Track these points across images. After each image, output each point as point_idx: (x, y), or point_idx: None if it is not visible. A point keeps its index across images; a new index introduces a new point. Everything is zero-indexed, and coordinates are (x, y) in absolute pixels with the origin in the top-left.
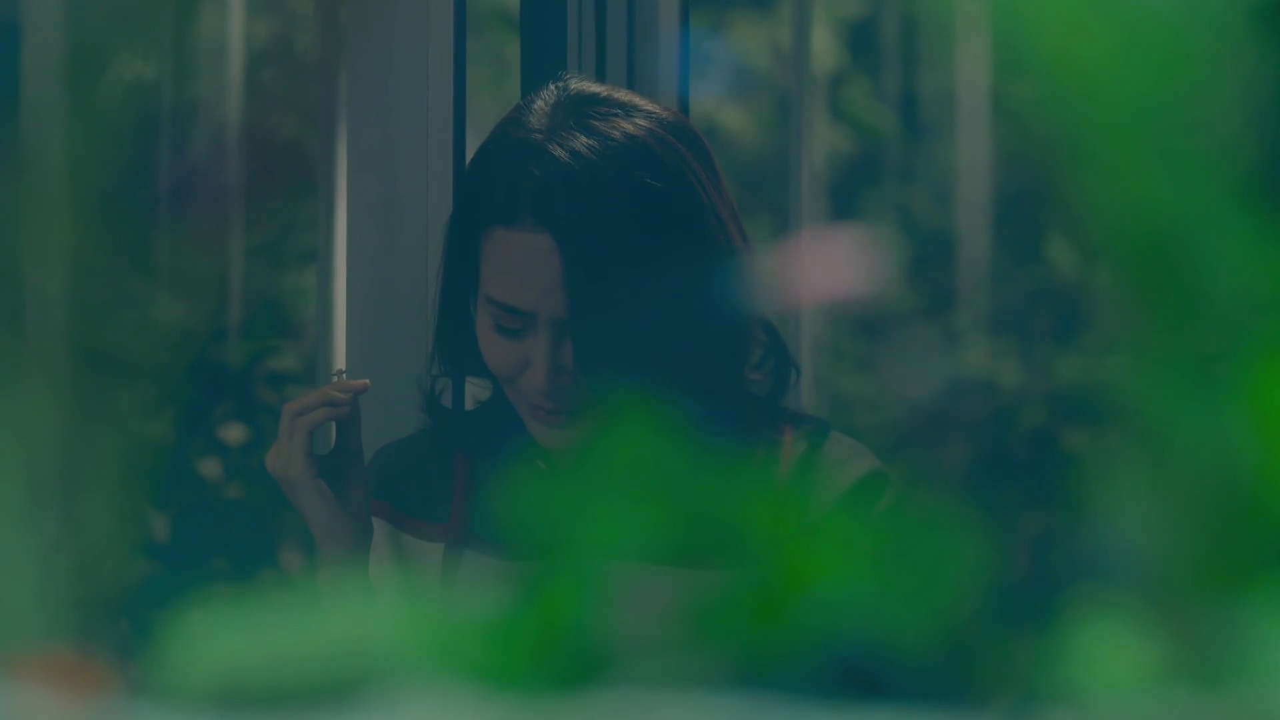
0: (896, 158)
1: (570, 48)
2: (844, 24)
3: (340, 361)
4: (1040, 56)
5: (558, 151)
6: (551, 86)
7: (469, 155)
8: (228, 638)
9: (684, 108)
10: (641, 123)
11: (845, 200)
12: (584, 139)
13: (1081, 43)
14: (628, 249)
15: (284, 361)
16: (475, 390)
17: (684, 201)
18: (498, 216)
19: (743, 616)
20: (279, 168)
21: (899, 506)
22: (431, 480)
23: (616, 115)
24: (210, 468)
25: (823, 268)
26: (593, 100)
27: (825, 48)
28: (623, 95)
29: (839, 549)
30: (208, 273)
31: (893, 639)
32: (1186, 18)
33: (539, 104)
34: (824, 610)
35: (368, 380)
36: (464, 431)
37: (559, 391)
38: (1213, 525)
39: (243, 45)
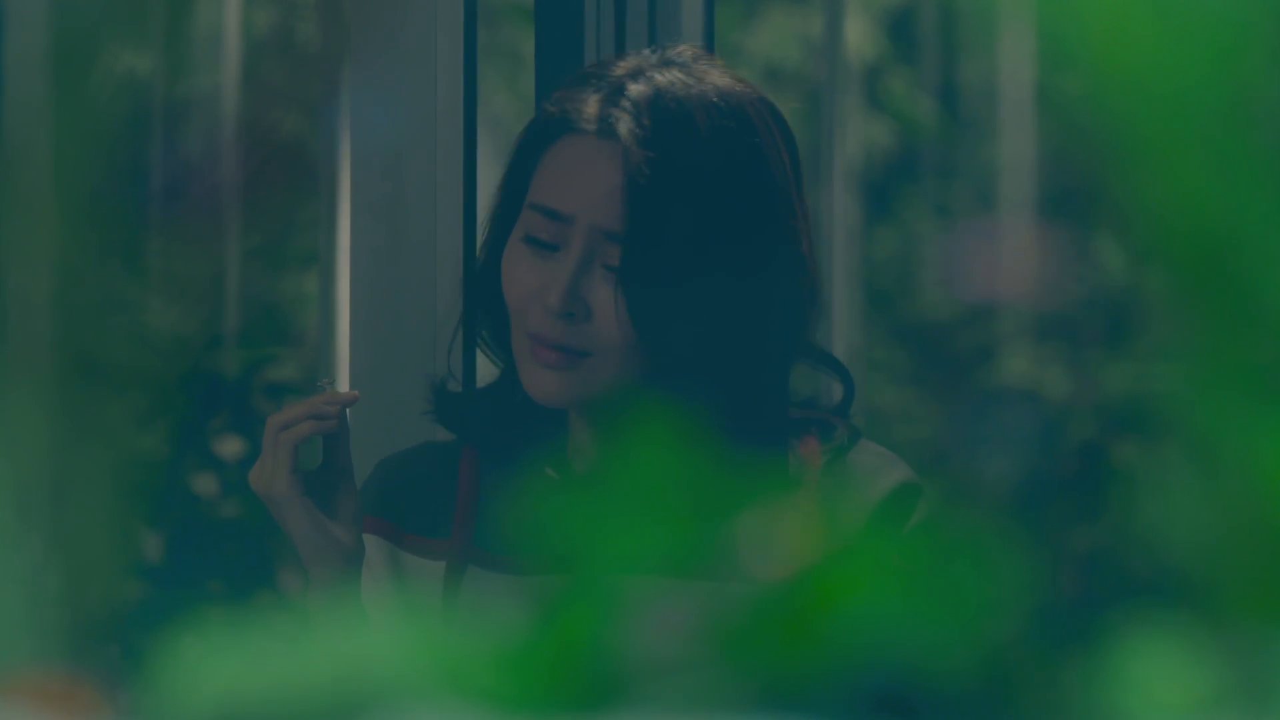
0: (936, 153)
1: (588, 42)
2: (884, 12)
3: (343, 370)
4: (1087, 47)
5: (653, 73)
6: (645, 50)
7: (480, 153)
8: (224, 663)
9: None
10: (739, 85)
11: (881, 197)
12: (680, 75)
13: (1130, 33)
14: (696, 187)
15: (284, 371)
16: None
17: (763, 170)
18: (568, 124)
19: (769, 636)
20: (278, 166)
21: (934, 521)
22: (433, 494)
23: (715, 70)
24: (205, 484)
25: (995, 262)
26: (691, 56)
27: (864, 37)
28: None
29: (870, 566)
30: (203, 277)
31: (928, 662)
32: (1240, 7)
33: (632, 53)
34: (854, 630)
35: (356, 392)
36: (468, 415)
37: (570, 317)
38: (1268, 543)
39: (241, 36)
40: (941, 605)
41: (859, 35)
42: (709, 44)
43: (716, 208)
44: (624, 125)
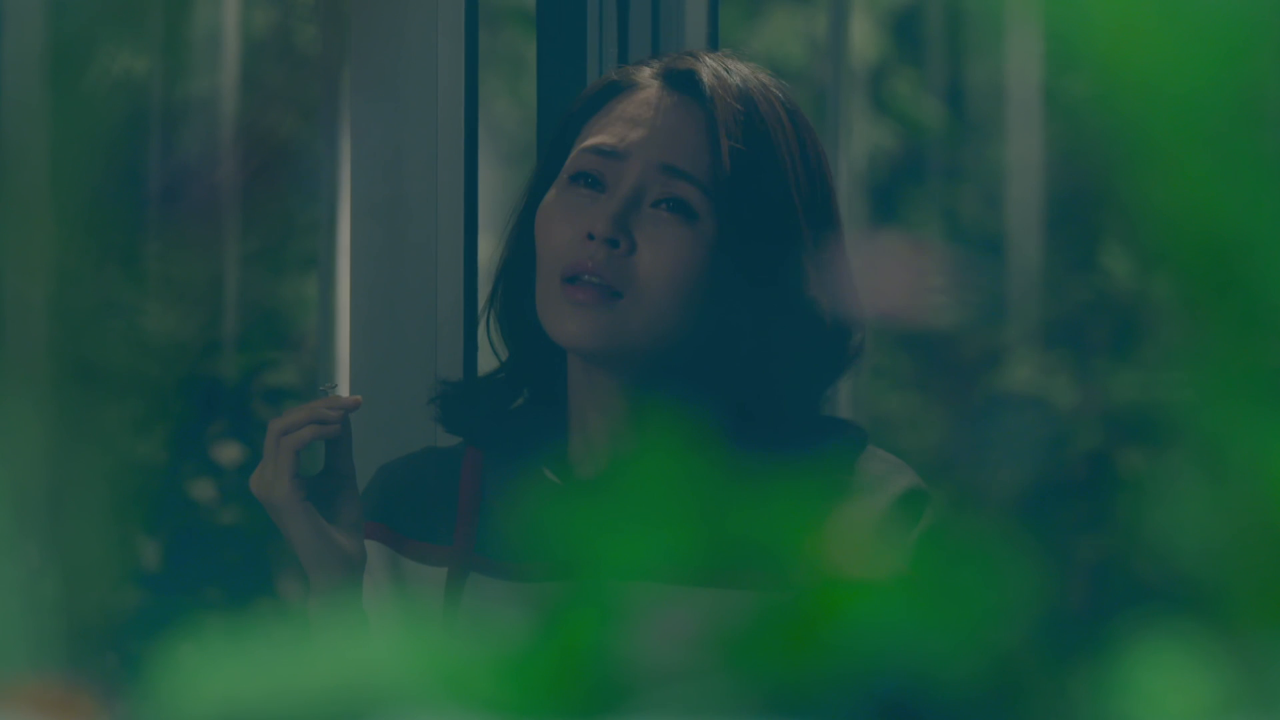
0: (942, 156)
1: (590, 45)
2: (889, 13)
3: (343, 375)
4: (1096, 48)
5: (724, 57)
6: None
7: (481, 156)
8: (222, 670)
9: None
10: (801, 111)
11: (886, 201)
12: (742, 68)
13: (1139, 34)
14: (775, 150)
15: (283, 376)
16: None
17: (820, 161)
18: (630, 84)
19: (773, 643)
20: (278, 168)
21: (941, 528)
22: (434, 500)
23: (765, 73)
24: (203, 490)
25: (889, 277)
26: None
27: (868, 38)
28: None
29: (876, 572)
30: (201, 280)
31: (934, 669)
32: (1248, 8)
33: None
34: (860, 638)
35: (359, 396)
36: (470, 414)
37: (614, 245)
38: (1276, 550)
39: (239, 37)
40: (948, 612)
41: (864, 36)
42: (713, 45)
43: (791, 179)
44: (707, 73)
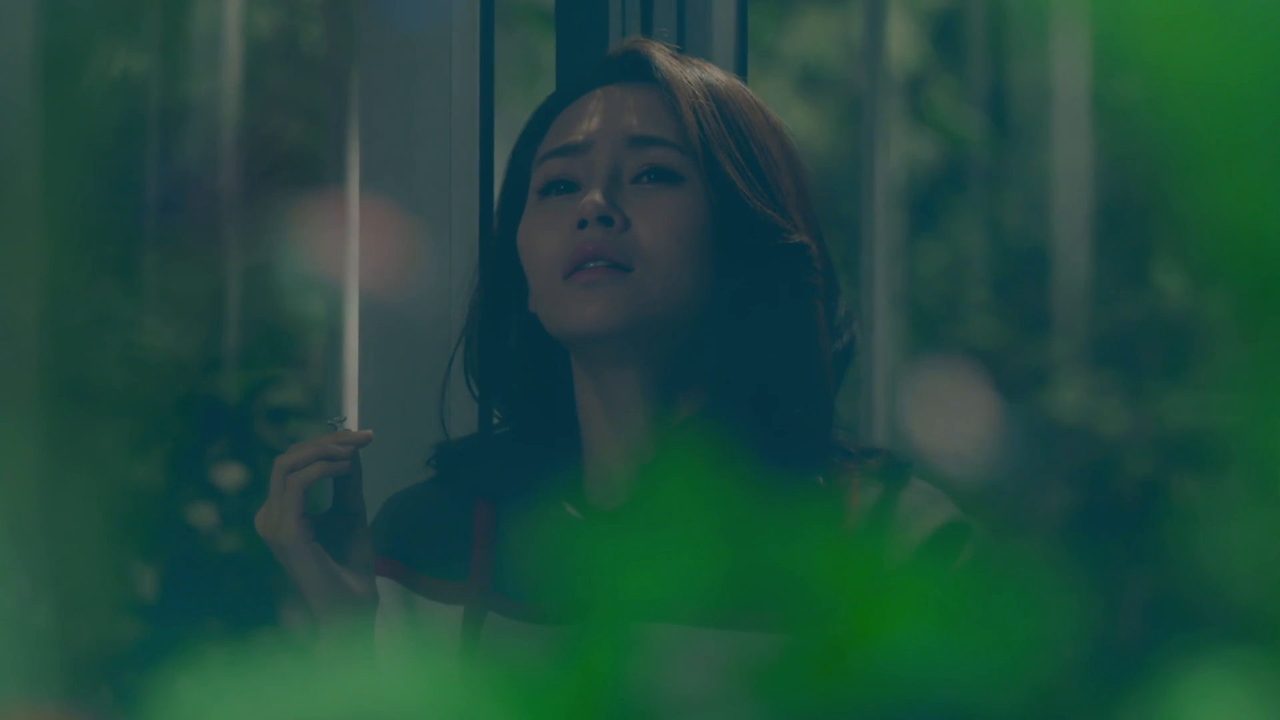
0: (984, 164)
1: (612, 45)
2: (928, 17)
3: (350, 394)
4: (1145, 51)
5: (686, 63)
6: None
7: (497, 163)
8: (224, 705)
9: None
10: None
11: (926, 213)
12: (718, 73)
13: (1190, 35)
14: (739, 128)
15: (287, 394)
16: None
17: (783, 142)
18: (575, 91)
19: (807, 680)
20: (283, 176)
21: (982, 561)
22: (448, 534)
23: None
24: (203, 515)
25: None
26: None
27: (906, 43)
28: None
29: (914, 608)
30: (201, 293)
31: (976, 707)
32: None
33: None
34: (898, 674)
35: (369, 431)
36: (476, 471)
37: (608, 223)
38: None
39: (242, 38)
40: (989, 647)
41: (902, 40)
42: (741, 48)
43: (761, 130)
44: (653, 51)
